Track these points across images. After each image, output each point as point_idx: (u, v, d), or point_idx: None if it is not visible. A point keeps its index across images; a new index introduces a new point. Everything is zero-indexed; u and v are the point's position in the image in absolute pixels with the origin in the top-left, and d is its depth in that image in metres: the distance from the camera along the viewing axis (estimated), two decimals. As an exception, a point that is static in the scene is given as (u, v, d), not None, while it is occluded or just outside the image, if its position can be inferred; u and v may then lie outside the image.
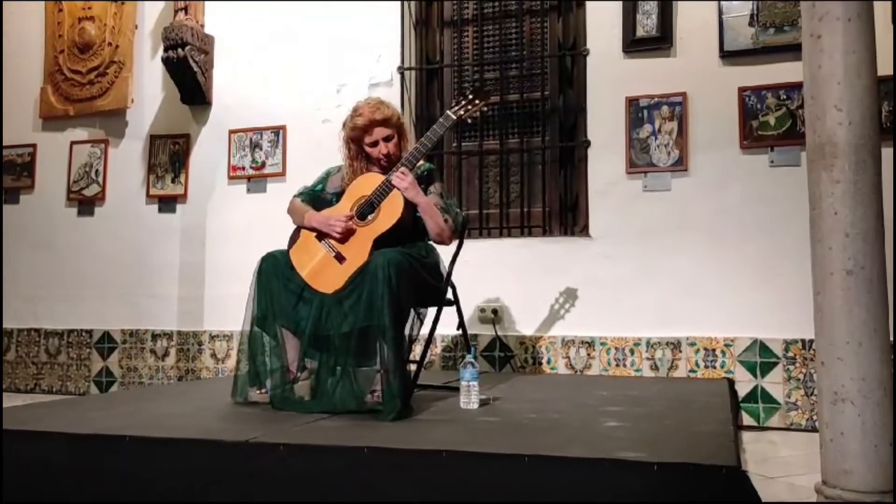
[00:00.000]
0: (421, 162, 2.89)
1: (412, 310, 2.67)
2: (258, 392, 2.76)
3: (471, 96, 2.93)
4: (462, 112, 2.90)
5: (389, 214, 2.72)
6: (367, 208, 2.77)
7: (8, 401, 3.70)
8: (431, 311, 2.89)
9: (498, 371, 3.91)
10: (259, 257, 2.79)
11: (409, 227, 2.79)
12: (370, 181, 2.82)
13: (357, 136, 2.91)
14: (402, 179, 2.76)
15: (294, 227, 2.91)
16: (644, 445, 1.95)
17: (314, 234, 2.80)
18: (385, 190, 2.76)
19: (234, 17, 4.58)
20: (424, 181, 2.90)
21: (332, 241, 2.74)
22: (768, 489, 2.29)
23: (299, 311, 2.66)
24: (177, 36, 4.36)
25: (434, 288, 2.85)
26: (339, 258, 2.70)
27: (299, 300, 2.67)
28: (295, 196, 3.01)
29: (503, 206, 4.16)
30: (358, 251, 2.67)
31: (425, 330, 2.89)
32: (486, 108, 2.99)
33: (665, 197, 3.75)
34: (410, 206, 2.79)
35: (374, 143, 2.89)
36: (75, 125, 4.89)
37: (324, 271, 2.69)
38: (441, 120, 2.89)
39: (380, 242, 2.68)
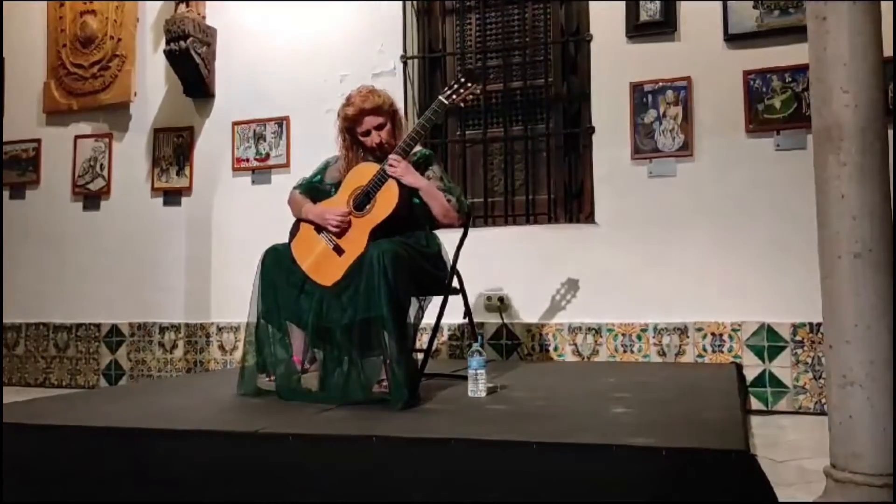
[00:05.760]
0: (418, 148, 2.87)
1: (414, 298, 2.67)
2: (267, 379, 2.77)
3: (463, 79, 2.87)
4: (455, 97, 2.85)
5: (385, 204, 2.70)
6: (363, 199, 2.75)
7: (18, 395, 3.72)
8: (436, 299, 2.89)
9: (505, 359, 3.91)
10: (264, 249, 2.79)
11: (407, 217, 2.77)
12: (366, 171, 2.79)
13: (349, 127, 2.89)
14: (395, 167, 2.74)
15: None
16: (652, 431, 1.95)
17: (313, 226, 2.79)
18: (381, 180, 2.73)
19: (236, 9, 4.57)
20: (422, 166, 2.87)
21: (331, 233, 2.73)
22: (777, 473, 2.29)
23: (301, 305, 2.66)
24: (178, 28, 4.36)
25: (435, 277, 2.84)
26: (338, 250, 2.69)
27: (301, 293, 2.67)
28: (294, 188, 3.00)
29: (508, 193, 4.15)
30: (355, 243, 2.66)
31: (432, 319, 2.89)
32: (479, 92, 2.92)
33: (670, 182, 3.74)
34: (407, 195, 2.77)
35: (367, 133, 2.86)
36: (79, 119, 4.90)
37: (323, 264, 2.68)
38: (433, 106, 2.84)
39: (377, 233, 2.66)
